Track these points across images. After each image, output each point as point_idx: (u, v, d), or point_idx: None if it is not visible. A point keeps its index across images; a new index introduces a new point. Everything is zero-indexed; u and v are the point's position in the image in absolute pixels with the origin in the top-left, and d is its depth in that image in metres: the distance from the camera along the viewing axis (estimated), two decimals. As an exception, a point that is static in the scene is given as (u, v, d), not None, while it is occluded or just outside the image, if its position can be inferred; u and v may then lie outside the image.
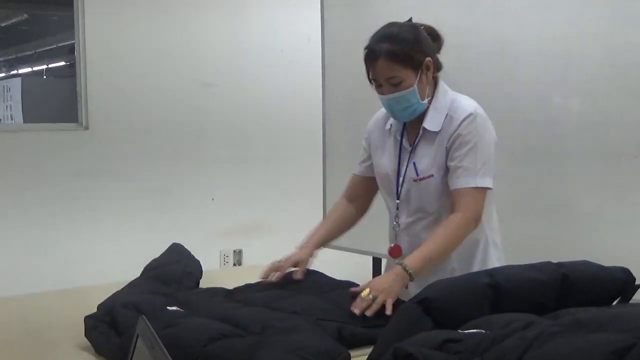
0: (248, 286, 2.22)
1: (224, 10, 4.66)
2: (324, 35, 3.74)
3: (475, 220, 2.08)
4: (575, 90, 2.77)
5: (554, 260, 1.84)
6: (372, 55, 2.07)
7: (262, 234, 4.88)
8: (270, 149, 4.87)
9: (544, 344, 1.17)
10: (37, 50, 7.57)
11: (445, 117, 2.12)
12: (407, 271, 1.97)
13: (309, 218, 4.40)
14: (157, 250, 4.11)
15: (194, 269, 2.33)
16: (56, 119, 4.50)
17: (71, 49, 5.00)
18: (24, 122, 5.63)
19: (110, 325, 1.84)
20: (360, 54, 2.02)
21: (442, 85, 2.18)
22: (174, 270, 2.27)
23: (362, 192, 2.39)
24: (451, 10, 3.07)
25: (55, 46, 7.07)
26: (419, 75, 2.07)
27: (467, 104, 2.13)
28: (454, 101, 2.14)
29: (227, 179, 4.74)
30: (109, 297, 2.03)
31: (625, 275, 1.57)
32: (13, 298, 2.51)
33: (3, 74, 7.65)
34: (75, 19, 4.26)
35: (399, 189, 2.21)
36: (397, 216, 2.24)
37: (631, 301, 1.56)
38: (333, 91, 3.74)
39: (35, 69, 7.72)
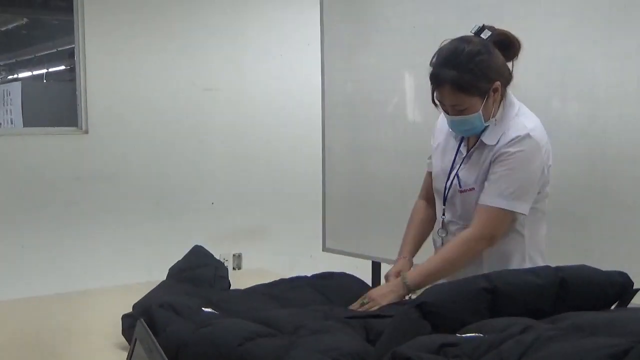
0: (278, 282, 2.22)
1: (223, 15, 4.66)
2: (323, 39, 3.75)
3: (489, 239, 2.06)
4: (574, 95, 2.77)
5: (553, 264, 1.85)
6: (437, 81, 2.02)
7: (262, 238, 4.89)
8: (269, 153, 4.88)
9: (542, 348, 1.17)
10: (37, 55, 7.56)
11: (503, 133, 2.07)
12: (405, 284, 1.97)
13: (308, 223, 4.44)
14: (156, 253, 4.16)
15: (224, 272, 2.36)
16: (56, 123, 4.50)
17: (71, 53, 5.00)
18: (24, 126, 5.62)
19: (147, 324, 1.86)
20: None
21: (510, 97, 2.12)
22: (206, 273, 2.30)
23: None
24: (451, 15, 3.07)
25: (55, 50, 7.06)
26: (485, 100, 2.03)
27: (525, 123, 2.07)
28: (516, 116, 2.09)
29: (227, 183, 4.75)
30: (142, 297, 2.06)
31: (623, 279, 1.57)
32: (25, 300, 2.53)
33: (1, 78, 7.64)
34: (75, 23, 4.27)
35: (446, 192, 2.20)
36: (443, 221, 2.22)
37: (629, 305, 1.56)
38: (332, 96, 3.74)
39: (35, 73, 7.71)
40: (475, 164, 2.12)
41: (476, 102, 2.02)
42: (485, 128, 2.10)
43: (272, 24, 4.83)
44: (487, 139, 2.10)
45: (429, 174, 2.35)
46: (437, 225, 2.27)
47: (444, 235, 2.22)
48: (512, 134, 2.05)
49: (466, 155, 2.16)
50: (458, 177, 2.13)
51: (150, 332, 1.11)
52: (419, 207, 2.37)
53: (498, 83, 2.03)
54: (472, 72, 1.98)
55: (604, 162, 2.66)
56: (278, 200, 4.92)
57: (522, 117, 2.10)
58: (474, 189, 2.11)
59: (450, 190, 2.18)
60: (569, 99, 2.80)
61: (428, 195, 2.36)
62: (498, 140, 2.07)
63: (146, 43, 4.41)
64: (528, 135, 2.04)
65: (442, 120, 2.28)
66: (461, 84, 1.98)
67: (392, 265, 2.27)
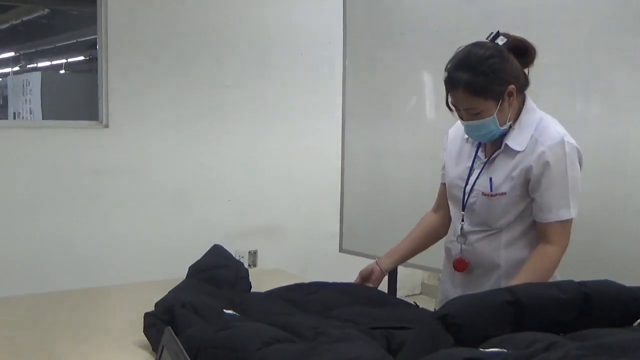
0: (299, 286, 2.23)
1: (244, 10, 4.66)
2: (345, 39, 3.74)
3: (565, 249, 2.09)
4: (597, 103, 2.76)
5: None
6: (451, 84, 2.03)
7: (278, 235, 4.89)
8: (287, 151, 4.87)
9: (568, 368, 1.17)
10: (57, 45, 7.60)
11: (531, 138, 2.07)
12: None
13: (325, 221, 4.44)
14: (174, 249, 4.18)
15: (245, 273, 2.37)
16: (75, 115, 4.50)
17: (91, 45, 5.01)
18: (43, 116, 5.64)
19: (168, 324, 1.88)
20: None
21: (529, 102, 2.12)
22: (227, 274, 2.32)
23: (446, 200, 2.34)
24: (473, 20, 3.06)
25: (75, 41, 7.09)
26: (499, 104, 2.02)
27: (556, 129, 2.08)
28: (541, 121, 2.09)
29: (244, 180, 4.75)
30: (165, 296, 2.08)
31: (647, 295, 1.57)
32: (44, 295, 2.55)
33: (20, 67, 7.69)
34: (98, 14, 4.26)
35: (466, 199, 2.19)
36: (462, 228, 2.21)
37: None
38: (353, 94, 3.73)
39: (54, 63, 7.75)
40: (502, 169, 2.11)
41: (490, 105, 2.01)
42: (508, 132, 2.09)
43: (293, 22, 4.82)
44: (513, 143, 2.09)
45: (441, 186, 2.36)
46: (453, 232, 2.27)
47: (463, 242, 2.21)
48: (546, 140, 2.05)
49: (487, 160, 2.14)
50: (491, 181, 2.11)
51: (178, 340, 1.11)
52: (425, 218, 2.43)
53: (512, 87, 2.03)
54: (485, 75, 1.99)
55: (626, 171, 2.65)
56: (295, 199, 4.91)
57: (549, 123, 2.10)
58: (505, 193, 2.10)
59: (472, 195, 2.17)
60: (592, 107, 2.79)
61: (439, 207, 2.38)
62: (527, 146, 2.07)
63: (169, 36, 4.41)
64: (565, 141, 2.05)
65: (453, 132, 2.31)
66: (474, 87, 1.99)
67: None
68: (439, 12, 3.27)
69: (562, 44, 2.74)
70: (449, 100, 2.06)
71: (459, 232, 2.22)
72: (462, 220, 2.20)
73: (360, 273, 2.35)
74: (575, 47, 2.76)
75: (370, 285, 2.32)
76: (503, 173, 2.10)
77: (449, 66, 2.05)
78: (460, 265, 2.21)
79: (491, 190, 2.11)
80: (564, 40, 2.76)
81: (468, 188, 2.17)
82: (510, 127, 2.09)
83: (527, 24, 2.83)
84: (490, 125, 2.04)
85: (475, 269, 2.20)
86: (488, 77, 1.99)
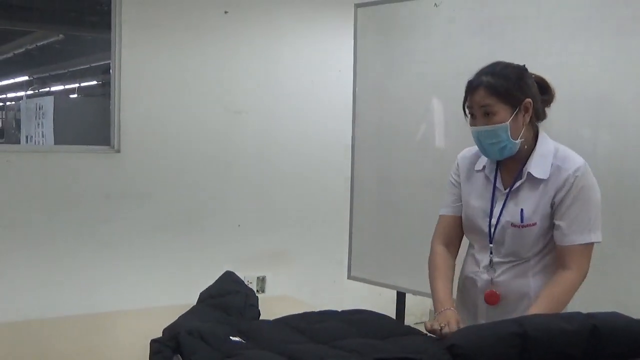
0: (307, 315, 2.23)
1: (256, 41, 4.70)
2: (356, 67, 3.77)
3: (585, 276, 2.08)
4: (606, 132, 2.77)
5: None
6: (472, 85, 2.09)
7: (287, 261, 4.89)
8: (297, 177, 4.89)
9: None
10: (70, 70, 7.66)
11: (552, 166, 2.09)
12: None
13: (334, 248, 4.45)
14: (183, 274, 4.19)
15: (255, 300, 2.36)
16: (87, 139, 4.54)
17: (104, 70, 5.06)
18: (55, 140, 5.68)
19: (174, 351, 1.89)
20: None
21: (543, 133, 2.16)
22: (237, 300, 2.31)
23: (457, 234, 2.32)
24: (483, 49, 3.08)
25: (88, 66, 7.15)
26: (514, 114, 2.05)
27: (575, 155, 2.12)
28: (558, 150, 2.12)
29: (254, 206, 4.77)
30: (172, 323, 2.08)
31: (656, 328, 1.56)
32: (53, 319, 2.56)
33: (33, 91, 7.75)
34: (112, 41, 4.31)
35: (493, 231, 2.18)
36: (491, 260, 2.20)
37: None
38: (363, 124, 3.76)
39: (67, 87, 7.81)
40: (530, 199, 2.11)
41: (506, 110, 2.05)
42: (529, 160, 2.11)
43: (304, 50, 4.87)
44: (535, 171, 2.10)
45: (447, 218, 2.32)
46: (475, 265, 2.24)
47: (493, 275, 2.19)
48: (570, 167, 2.08)
49: (510, 190, 2.15)
50: (522, 212, 2.11)
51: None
52: (440, 253, 2.30)
53: (529, 101, 2.07)
54: (506, 79, 2.06)
55: (636, 198, 2.65)
56: (304, 225, 4.93)
57: (566, 150, 2.13)
58: (536, 223, 2.10)
59: (498, 227, 2.16)
60: (601, 135, 2.80)
61: (447, 240, 2.32)
62: (550, 174, 2.09)
63: (181, 64, 4.46)
64: (586, 167, 2.09)
65: (462, 162, 2.31)
66: (495, 87, 2.05)
67: (437, 314, 2.16)
68: (446, 43, 3.30)
69: (571, 72, 2.75)
70: (466, 104, 2.11)
71: (488, 264, 2.20)
72: (491, 253, 2.19)
73: (449, 323, 2.03)
74: (584, 75, 2.77)
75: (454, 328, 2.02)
76: (532, 203, 2.11)
77: (473, 74, 2.12)
78: (492, 298, 2.18)
79: (522, 221, 2.11)
80: (574, 68, 2.78)
81: (494, 220, 2.17)
82: (523, 149, 2.11)
83: (535, 54, 2.86)
84: (502, 133, 2.05)
85: (503, 299, 2.18)
86: (509, 82, 2.06)
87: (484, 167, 2.22)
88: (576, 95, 2.79)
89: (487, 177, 2.22)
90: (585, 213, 2.06)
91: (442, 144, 3.40)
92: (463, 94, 2.13)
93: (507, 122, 2.04)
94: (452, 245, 2.33)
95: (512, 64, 2.13)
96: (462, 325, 2.04)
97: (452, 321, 2.03)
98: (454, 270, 2.31)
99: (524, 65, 2.14)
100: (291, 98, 4.83)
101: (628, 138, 2.70)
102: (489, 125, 2.06)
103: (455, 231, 2.31)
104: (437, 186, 3.21)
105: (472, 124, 2.11)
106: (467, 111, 2.12)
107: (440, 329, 1.96)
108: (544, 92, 2.15)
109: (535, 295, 2.11)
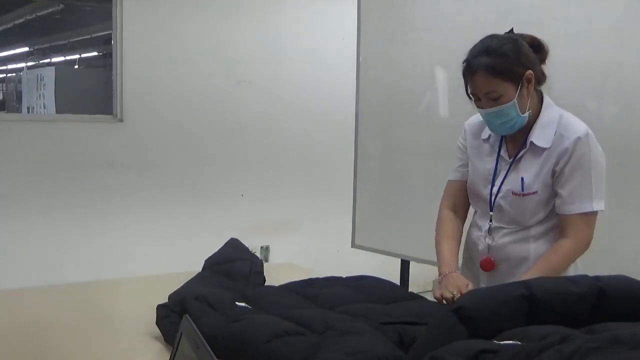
0: (313, 281, 2.24)
1: (259, 7, 4.67)
2: (359, 35, 3.74)
3: (587, 245, 2.08)
4: (612, 99, 2.76)
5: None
6: (470, 70, 2.04)
7: (290, 230, 4.91)
8: (301, 146, 4.89)
9: (582, 360, 1.17)
10: (71, 40, 7.62)
11: (555, 134, 2.07)
12: None
13: (338, 217, 4.45)
14: (187, 243, 4.20)
15: (260, 267, 2.37)
16: (89, 110, 4.53)
17: (105, 40, 5.03)
18: (57, 111, 5.67)
19: (180, 315, 1.90)
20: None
21: (547, 100, 2.13)
22: (242, 267, 2.33)
23: (465, 199, 2.31)
24: (489, 16, 3.06)
25: (89, 36, 7.12)
26: (519, 89, 2.02)
27: (579, 123, 2.09)
28: (562, 117, 2.10)
29: (257, 176, 4.77)
30: (179, 288, 2.11)
31: (662, 291, 1.56)
32: (59, 287, 2.57)
33: (35, 62, 7.72)
34: (113, 10, 4.29)
35: (494, 199, 2.18)
36: (490, 227, 2.20)
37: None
38: (367, 90, 3.75)
39: (68, 58, 7.78)
40: (532, 168, 2.10)
41: (510, 88, 2.02)
42: (532, 129, 2.10)
43: (307, 17, 4.83)
44: (538, 140, 2.09)
45: (454, 183, 2.32)
46: (478, 230, 2.25)
47: (490, 241, 2.20)
48: (571, 135, 2.05)
49: (514, 159, 2.14)
50: (522, 180, 2.11)
51: (197, 328, 1.12)
52: (447, 218, 2.31)
53: (531, 72, 2.04)
54: (504, 56, 2.01)
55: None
56: (308, 195, 4.93)
57: (571, 118, 2.11)
58: (536, 192, 2.10)
59: (500, 195, 2.16)
60: (608, 102, 2.78)
61: (454, 206, 2.32)
62: (552, 142, 2.07)
63: (183, 33, 4.43)
64: (589, 134, 2.06)
65: (470, 128, 2.29)
66: (494, 67, 2.00)
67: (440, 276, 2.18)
68: (452, 9, 3.27)
69: (577, 39, 2.73)
70: (468, 89, 2.07)
71: (487, 231, 2.21)
72: (490, 220, 2.20)
73: (460, 288, 2.06)
74: (590, 42, 2.75)
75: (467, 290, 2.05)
76: (533, 172, 2.10)
77: (467, 56, 2.06)
78: (487, 265, 2.20)
79: (522, 189, 2.11)
80: (579, 35, 2.76)
81: (495, 189, 2.16)
82: (534, 122, 2.10)
83: (541, 21, 2.84)
84: (511, 111, 2.04)
85: (502, 264, 2.19)
86: (507, 59, 2.01)
87: (490, 136, 2.21)
88: (582, 62, 2.77)
89: (492, 147, 2.21)
90: (586, 181, 2.05)
91: (446, 113, 3.39)
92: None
93: (514, 100, 2.02)
94: (460, 210, 2.33)
95: (506, 36, 2.08)
96: (471, 287, 2.06)
97: (461, 287, 2.05)
98: (461, 233, 2.32)
99: (511, 29, 2.11)
100: (295, 66, 4.81)
101: (635, 104, 2.68)
102: (496, 106, 2.04)
103: (462, 195, 2.31)
104: (441, 155, 3.21)
105: (478, 106, 2.09)
106: (470, 96, 2.09)
107: (453, 297, 1.98)
108: (537, 51, 2.10)
109: (535, 260, 2.12)
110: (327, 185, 4.87)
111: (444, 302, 2.01)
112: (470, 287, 2.06)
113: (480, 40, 2.07)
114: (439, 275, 2.20)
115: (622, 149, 2.67)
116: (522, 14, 2.95)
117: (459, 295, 1.99)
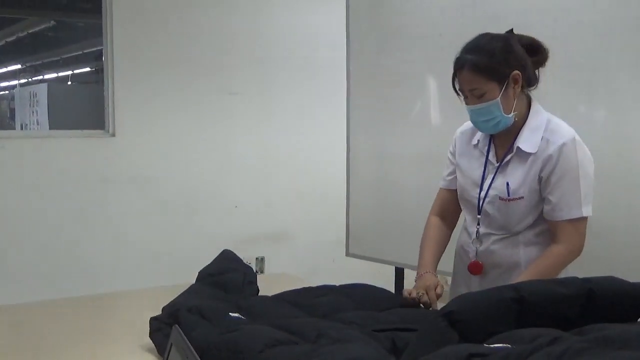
0: (306, 290, 2.25)
1: (248, 18, 4.68)
2: (349, 44, 3.76)
3: (579, 250, 2.09)
4: (600, 103, 2.77)
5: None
6: (457, 66, 2.07)
7: (285, 242, 4.90)
8: (294, 157, 4.89)
9: (571, 361, 1.17)
10: (63, 57, 7.65)
11: (542, 139, 2.08)
12: None
13: (331, 228, 4.45)
14: (181, 256, 4.19)
15: (253, 277, 2.37)
16: (82, 126, 4.54)
17: (97, 56, 5.05)
18: (50, 127, 5.69)
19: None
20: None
21: (536, 104, 2.14)
22: (235, 278, 2.32)
23: (454, 207, 2.34)
24: (477, 24, 3.05)
25: (81, 52, 7.14)
26: (503, 88, 2.03)
27: (566, 128, 2.09)
28: (549, 122, 2.10)
29: (251, 187, 4.77)
30: (172, 300, 2.10)
31: (652, 291, 1.56)
32: (52, 302, 2.57)
33: (27, 79, 7.74)
34: (103, 25, 4.30)
35: (481, 204, 2.19)
36: (477, 232, 2.21)
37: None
38: (357, 101, 3.75)
39: (60, 74, 7.80)
40: (518, 172, 2.11)
41: (494, 87, 2.02)
42: (519, 134, 2.10)
43: (297, 27, 4.84)
44: (524, 145, 2.10)
45: (443, 190, 2.36)
46: (467, 236, 2.27)
47: (478, 246, 2.21)
48: (558, 140, 2.06)
49: (501, 164, 2.15)
50: (508, 185, 2.12)
51: (186, 338, 1.12)
52: (434, 224, 2.36)
53: (518, 73, 2.04)
54: (490, 55, 2.02)
55: (630, 170, 2.65)
56: (301, 205, 4.93)
57: (557, 123, 2.12)
58: (523, 197, 2.10)
59: (488, 200, 2.17)
60: (596, 107, 2.79)
61: (442, 212, 2.36)
62: (539, 148, 2.08)
63: (173, 47, 4.44)
64: (576, 140, 2.07)
65: (460, 136, 2.31)
66: (478, 66, 2.01)
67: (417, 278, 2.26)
68: (442, 15, 3.28)
69: (564, 45, 2.74)
70: (456, 86, 2.09)
71: (475, 236, 2.22)
72: (478, 224, 2.21)
73: (428, 288, 2.14)
74: (577, 47, 2.77)
75: (437, 294, 2.14)
76: (519, 177, 2.10)
77: (458, 52, 2.09)
78: (475, 269, 2.22)
79: (508, 194, 2.11)
80: (567, 40, 2.77)
81: (483, 193, 2.17)
82: (518, 121, 2.10)
83: (531, 27, 2.85)
84: (495, 110, 2.04)
85: (493, 270, 2.20)
86: (493, 58, 2.02)
87: (479, 142, 2.23)
88: (570, 63, 2.78)
89: (481, 151, 2.22)
90: (575, 188, 2.05)
91: (438, 119, 3.40)
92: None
93: (498, 99, 2.03)
94: (448, 217, 2.36)
95: (498, 35, 2.09)
96: (440, 289, 2.13)
97: (430, 286, 2.10)
98: (447, 239, 2.35)
99: (511, 29, 2.12)
100: (284, 77, 4.82)
101: (624, 107, 2.69)
102: (480, 103, 2.05)
103: (451, 203, 2.34)
104: (434, 162, 3.20)
105: (465, 103, 2.11)
106: (458, 92, 2.11)
107: (419, 297, 2.05)
108: (534, 53, 2.11)
109: (526, 265, 2.13)
110: (320, 195, 4.87)
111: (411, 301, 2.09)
112: (439, 288, 2.12)
113: (474, 37, 2.10)
114: (416, 277, 2.25)
115: (610, 152, 2.68)
116: (510, 21, 2.94)
117: (424, 294, 2.06)
